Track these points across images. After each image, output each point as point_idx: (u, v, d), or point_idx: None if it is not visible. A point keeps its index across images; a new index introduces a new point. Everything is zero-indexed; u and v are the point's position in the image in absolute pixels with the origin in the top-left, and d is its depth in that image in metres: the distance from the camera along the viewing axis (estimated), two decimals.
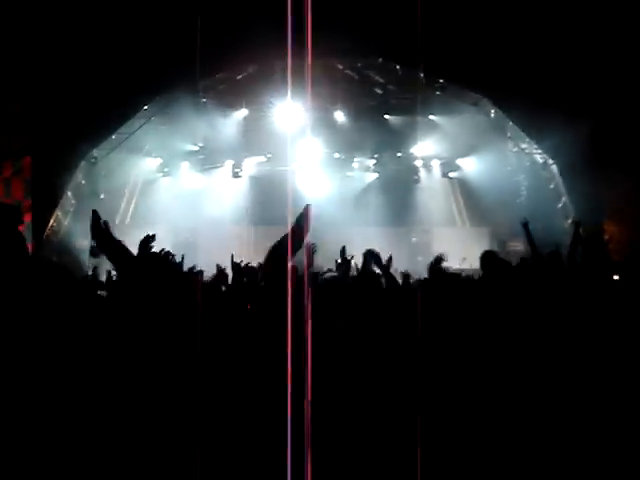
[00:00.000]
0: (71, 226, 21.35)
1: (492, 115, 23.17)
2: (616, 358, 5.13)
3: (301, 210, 4.85)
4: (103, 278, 9.42)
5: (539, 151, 23.00)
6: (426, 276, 6.86)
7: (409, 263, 20.82)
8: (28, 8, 16.68)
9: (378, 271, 6.77)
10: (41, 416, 3.87)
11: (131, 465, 4.04)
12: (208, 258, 9.23)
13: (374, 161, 26.52)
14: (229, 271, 7.52)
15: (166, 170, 25.66)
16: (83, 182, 22.51)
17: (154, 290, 4.61)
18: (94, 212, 4.63)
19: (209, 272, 8.03)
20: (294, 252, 4.83)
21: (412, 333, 5.01)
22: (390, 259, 6.84)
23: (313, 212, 4.87)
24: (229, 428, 4.40)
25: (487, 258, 6.61)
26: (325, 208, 21.98)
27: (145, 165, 25.19)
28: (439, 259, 6.83)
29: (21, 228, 4.44)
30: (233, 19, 16.95)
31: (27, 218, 17.93)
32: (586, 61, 17.31)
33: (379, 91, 24.64)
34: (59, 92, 17.70)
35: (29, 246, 14.82)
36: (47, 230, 19.98)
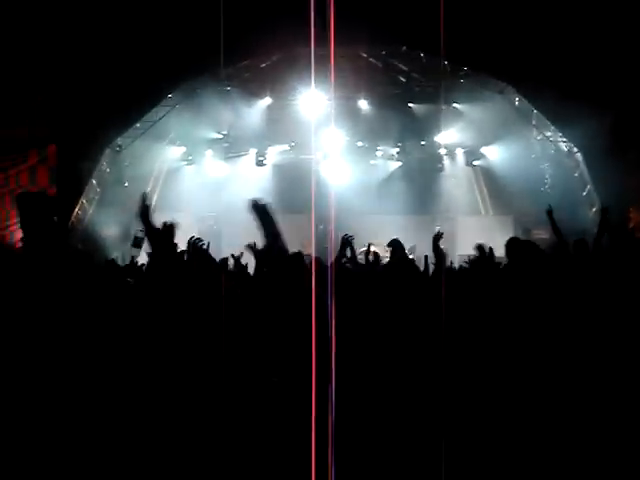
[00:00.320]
0: (96, 214, 21.45)
1: (516, 103, 23.08)
2: None
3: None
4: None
5: (564, 139, 22.89)
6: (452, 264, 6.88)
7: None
8: None
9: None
10: (66, 399, 3.91)
11: (158, 446, 4.08)
12: (232, 246, 9.24)
13: (398, 149, 26.44)
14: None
15: (190, 158, 25.66)
16: (108, 170, 22.61)
17: (188, 277, 4.65)
18: (144, 196, 4.69)
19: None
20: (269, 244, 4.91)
21: (439, 320, 5.02)
22: (411, 247, 6.85)
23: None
24: (254, 418, 4.43)
25: (513, 245, 6.58)
26: (348, 197, 21.99)
27: (169, 153, 25.23)
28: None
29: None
30: (258, 7, 16.94)
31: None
32: (612, 48, 17.19)
33: (403, 79, 24.57)
34: (84, 80, 17.75)
35: None
36: (72, 218, 20.06)
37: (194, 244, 5.81)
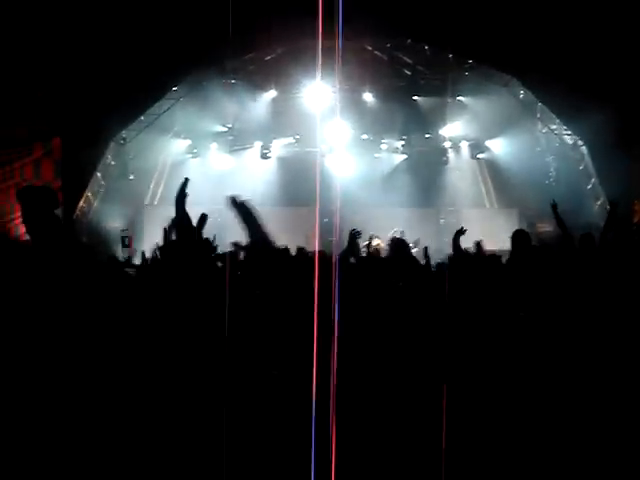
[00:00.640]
0: (100, 207, 21.47)
1: (521, 96, 23.07)
2: None
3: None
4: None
5: (569, 132, 22.86)
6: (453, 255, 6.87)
7: (437, 244, 20.85)
8: None
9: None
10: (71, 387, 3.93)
11: (158, 435, 4.09)
12: (236, 239, 9.24)
13: (402, 142, 26.43)
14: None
15: (195, 151, 25.66)
16: (112, 163, 22.62)
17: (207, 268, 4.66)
18: (185, 181, 4.72)
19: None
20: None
21: (442, 311, 5.03)
22: (415, 240, 6.84)
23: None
24: (254, 410, 4.44)
25: (518, 237, 6.58)
26: (353, 189, 21.99)
27: (174, 146, 25.24)
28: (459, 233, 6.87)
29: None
30: (263, 0, 16.92)
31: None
32: (617, 41, 17.15)
33: (408, 72, 24.54)
34: (89, 73, 17.75)
35: None
36: (77, 211, 20.08)
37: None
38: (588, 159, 21.90)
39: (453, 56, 22.19)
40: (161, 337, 4.32)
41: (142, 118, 22.14)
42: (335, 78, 20.96)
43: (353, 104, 24.23)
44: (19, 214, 4.37)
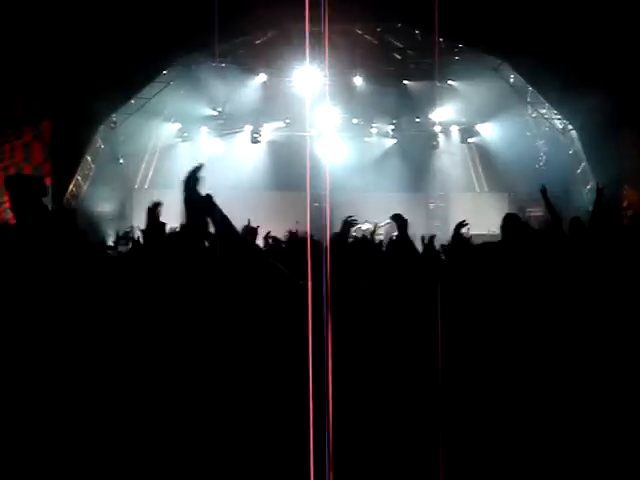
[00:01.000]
0: (90, 191, 21.43)
1: (511, 80, 23.06)
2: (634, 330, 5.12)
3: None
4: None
5: (558, 116, 22.89)
6: (447, 242, 6.85)
7: (427, 228, 20.89)
8: None
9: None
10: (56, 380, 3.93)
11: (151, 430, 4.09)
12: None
13: (392, 127, 26.53)
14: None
15: (185, 135, 25.68)
16: (102, 146, 22.56)
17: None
18: (199, 166, 4.40)
19: None
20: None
21: (435, 299, 5.02)
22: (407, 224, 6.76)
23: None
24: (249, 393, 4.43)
25: (509, 221, 6.57)
26: (343, 174, 22.01)
27: (164, 130, 25.20)
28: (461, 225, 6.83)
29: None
30: None
31: (47, 182, 17.99)
32: (606, 24, 17.15)
33: (398, 56, 24.55)
34: (78, 56, 17.69)
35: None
36: (67, 194, 20.04)
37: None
38: (578, 143, 21.93)
39: (443, 40, 22.16)
40: (154, 324, 4.31)
41: (132, 102, 22.05)
42: (325, 62, 20.94)
43: (343, 88, 24.23)
44: (7, 198, 4.34)
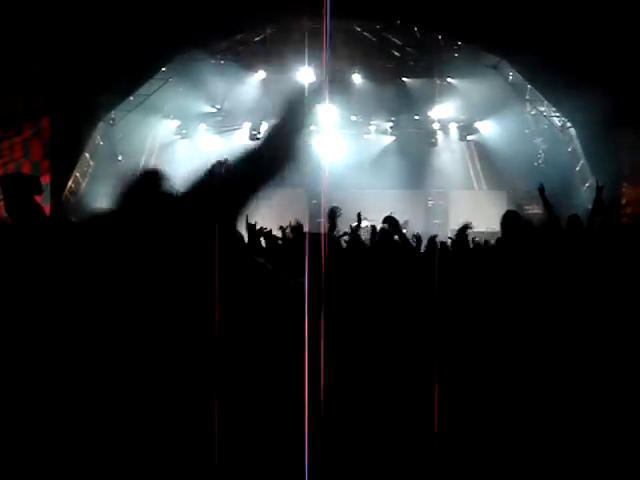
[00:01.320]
0: (89, 187, 21.42)
1: (510, 78, 23.04)
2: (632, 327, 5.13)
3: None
4: None
5: (557, 114, 22.90)
6: (446, 240, 6.88)
7: (426, 226, 20.89)
8: None
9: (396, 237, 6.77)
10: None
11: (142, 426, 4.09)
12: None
13: (391, 124, 26.48)
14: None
15: (184, 132, 25.67)
16: (101, 143, 22.54)
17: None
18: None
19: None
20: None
21: (431, 296, 5.03)
22: (404, 222, 6.80)
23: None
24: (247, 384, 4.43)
25: (509, 218, 6.56)
26: (342, 171, 21.99)
27: (163, 127, 25.20)
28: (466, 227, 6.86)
29: (39, 199, 4.42)
30: None
31: (46, 179, 18.01)
32: (605, 21, 17.14)
33: (397, 53, 24.52)
34: (78, 53, 17.68)
35: (47, 207, 14.90)
36: (65, 191, 20.04)
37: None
38: (577, 141, 21.95)
39: (442, 37, 22.16)
40: (149, 324, 4.30)
41: (131, 98, 22.05)
42: (324, 59, 20.95)
43: (342, 85, 24.20)
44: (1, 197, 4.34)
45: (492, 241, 7.05)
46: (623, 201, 19.20)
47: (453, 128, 26.61)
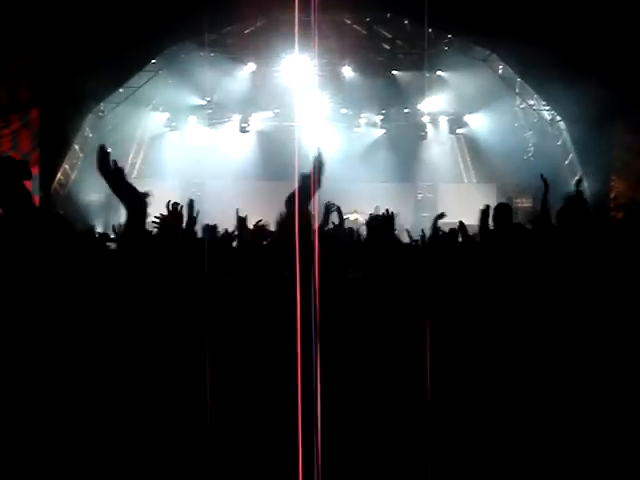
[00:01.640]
0: (78, 179, 21.36)
1: (500, 71, 23.06)
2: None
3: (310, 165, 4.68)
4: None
5: (547, 108, 22.93)
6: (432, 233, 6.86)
7: (415, 219, 20.91)
8: None
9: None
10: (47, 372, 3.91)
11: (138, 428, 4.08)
12: (215, 212, 9.24)
13: (381, 117, 26.54)
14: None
15: (173, 124, 25.65)
16: (90, 135, 22.47)
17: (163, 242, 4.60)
18: (101, 147, 4.29)
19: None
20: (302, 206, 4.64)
21: (424, 291, 5.02)
22: (394, 215, 6.79)
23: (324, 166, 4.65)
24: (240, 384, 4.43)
25: (501, 211, 6.56)
26: (332, 164, 21.98)
27: (152, 119, 25.19)
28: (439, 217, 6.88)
29: (29, 183, 4.38)
30: None
31: (35, 171, 17.94)
32: (596, 15, 17.13)
33: (387, 46, 24.55)
34: (67, 44, 17.59)
35: (36, 199, 14.86)
36: (54, 183, 19.98)
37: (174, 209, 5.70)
38: (566, 135, 21.98)
39: (432, 30, 22.14)
40: (141, 315, 4.29)
41: (120, 90, 21.99)
42: (314, 52, 20.91)
43: (332, 78, 24.22)
44: None
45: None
46: (612, 194, 19.23)
47: (443, 121, 26.65)
